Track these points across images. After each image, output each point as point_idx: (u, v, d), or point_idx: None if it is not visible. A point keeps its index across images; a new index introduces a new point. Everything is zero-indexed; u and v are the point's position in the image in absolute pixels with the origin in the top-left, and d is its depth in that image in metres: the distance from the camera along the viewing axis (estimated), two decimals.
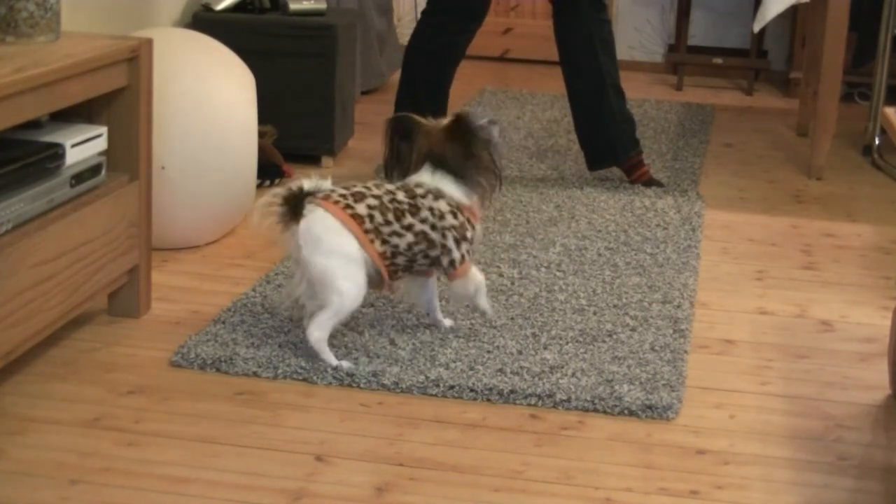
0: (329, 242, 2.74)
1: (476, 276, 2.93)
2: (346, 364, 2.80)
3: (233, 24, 4.36)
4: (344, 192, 2.80)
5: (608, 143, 4.32)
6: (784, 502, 2.37)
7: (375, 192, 2.82)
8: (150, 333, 3.01)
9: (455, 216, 2.85)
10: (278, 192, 2.78)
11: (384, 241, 2.79)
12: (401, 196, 2.83)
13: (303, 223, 2.75)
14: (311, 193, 2.78)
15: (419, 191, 2.85)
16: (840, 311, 3.35)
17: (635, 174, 4.37)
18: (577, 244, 3.71)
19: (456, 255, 2.85)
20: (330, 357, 2.80)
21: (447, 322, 3.03)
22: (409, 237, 2.81)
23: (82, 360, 2.85)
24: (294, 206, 2.76)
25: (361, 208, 2.78)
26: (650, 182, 4.37)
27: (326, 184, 2.82)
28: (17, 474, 2.34)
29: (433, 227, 2.83)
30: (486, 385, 2.74)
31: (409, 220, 2.81)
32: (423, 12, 4.35)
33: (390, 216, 2.79)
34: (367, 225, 2.77)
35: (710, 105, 5.89)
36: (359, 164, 4.55)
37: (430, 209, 2.83)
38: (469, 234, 2.87)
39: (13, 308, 2.52)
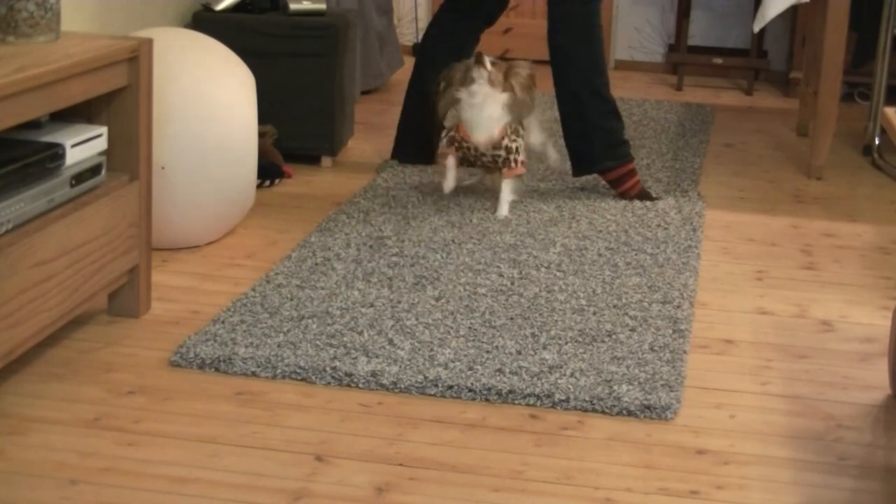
0: None
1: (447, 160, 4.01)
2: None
3: (233, 24, 4.36)
4: None
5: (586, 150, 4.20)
6: (784, 502, 2.37)
7: None
8: (149, 333, 3.01)
9: None
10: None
11: None
12: None
13: None
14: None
15: None
16: (840, 311, 3.35)
17: (621, 187, 4.19)
18: (577, 244, 3.71)
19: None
20: None
21: (504, 212, 3.96)
22: None
23: (82, 360, 2.85)
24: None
25: None
26: (641, 196, 4.19)
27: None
28: (17, 474, 2.34)
29: None
30: (485, 385, 2.74)
31: None
32: (440, 7, 4.41)
33: None
34: None
35: (710, 105, 5.89)
36: (359, 164, 4.55)
37: None
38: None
39: (13, 308, 2.52)
